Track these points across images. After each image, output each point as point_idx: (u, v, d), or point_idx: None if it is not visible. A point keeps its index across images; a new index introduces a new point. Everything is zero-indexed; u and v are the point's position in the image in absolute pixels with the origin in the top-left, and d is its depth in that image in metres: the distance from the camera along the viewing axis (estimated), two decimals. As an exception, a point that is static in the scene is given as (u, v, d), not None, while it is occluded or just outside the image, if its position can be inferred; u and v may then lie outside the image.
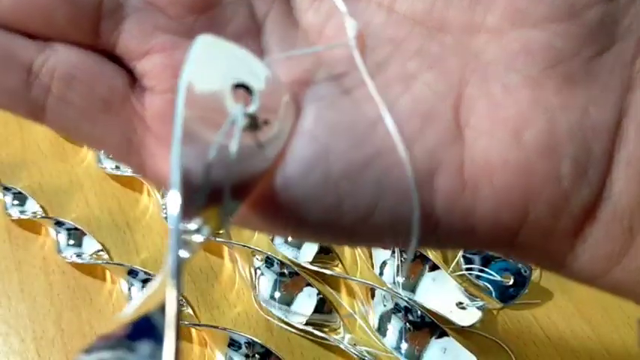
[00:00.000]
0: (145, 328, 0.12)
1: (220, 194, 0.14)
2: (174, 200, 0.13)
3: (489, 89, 0.16)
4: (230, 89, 0.15)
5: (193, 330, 0.37)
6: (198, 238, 0.14)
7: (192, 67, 0.14)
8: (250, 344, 0.35)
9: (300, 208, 0.16)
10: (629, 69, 0.16)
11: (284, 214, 0.17)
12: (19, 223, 0.42)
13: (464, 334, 0.37)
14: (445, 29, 0.17)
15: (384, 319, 0.37)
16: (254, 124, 0.15)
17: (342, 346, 0.35)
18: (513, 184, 0.16)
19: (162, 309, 0.12)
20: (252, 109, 0.15)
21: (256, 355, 0.35)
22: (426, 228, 0.16)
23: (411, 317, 0.36)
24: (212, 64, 0.15)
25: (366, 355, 0.35)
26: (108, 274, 0.40)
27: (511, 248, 0.17)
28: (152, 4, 0.17)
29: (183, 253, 0.13)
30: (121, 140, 0.17)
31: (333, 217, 0.16)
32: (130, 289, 0.39)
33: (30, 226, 0.42)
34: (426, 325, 0.36)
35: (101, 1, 0.16)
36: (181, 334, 0.36)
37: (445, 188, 0.16)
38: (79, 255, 0.40)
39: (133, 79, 0.17)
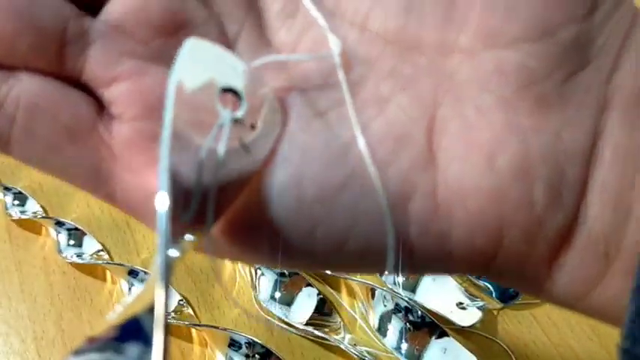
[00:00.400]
0: (134, 330, 0.12)
1: (206, 199, 0.14)
2: (162, 201, 0.12)
3: (463, 111, 0.16)
4: (218, 93, 0.15)
5: (194, 330, 0.37)
6: (188, 237, 0.14)
7: (180, 69, 0.14)
8: (250, 344, 0.35)
9: (273, 233, 0.16)
10: (604, 89, 0.16)
11: (258, 239, 0.16)
12: (20, 223, 0.42)
13: (464, 334, 0.37)
14: (418, 49, 0.16)
15: (384, 320, 0.37)
16: (241, 128, 0.15)
17: (342, 346, 0.35)
18: (487, 209, 0.16)
19: (151, 310, 0.11)
20: (239, 113, 0.15)
21: (256, 356, 0.35)
22: (401, 254, 0.16)
23: (411, 317, 0.36)
24: (200, 66, 0.15)
25: (367, 355, 0.35)
26: (108, 274, 0.40)
27: (488, 272, 0.17)
28: (119, 28, 0.16)
29: (173, 252, 0.13)
30: (89, 170, 0.16)
31: (306, 244, 0.16)
32: (130, 289, 0.39)
33: (30, 226, 0.42)
34: (426, 326, 0.36)
35: (65, 27, 0.16)
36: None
37: (419, 213, 0.16)
38: (79, 255, 0.40)
39: (100, 106, 0.17)
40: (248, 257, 0.17)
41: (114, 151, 0.16)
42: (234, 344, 0.35)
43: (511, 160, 0.15)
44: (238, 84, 0.15)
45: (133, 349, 0.12)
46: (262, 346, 0.35)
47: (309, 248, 0.16)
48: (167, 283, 0.12)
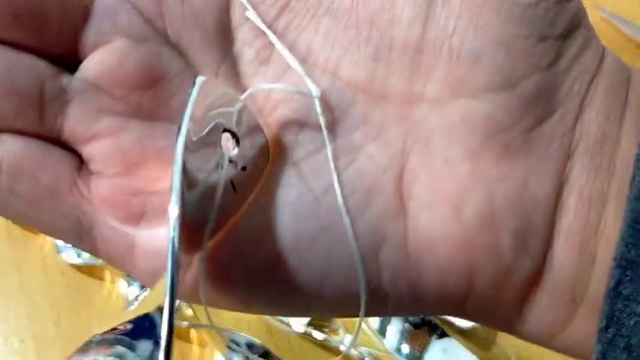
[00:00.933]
0: (146, 328, 0.12)
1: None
2: (172, 212, 0.13)
3: (430, 161, 0.16)
4: (219, 133, 0.15)
5: (193, 330, 0.37)
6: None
7: (192, 107, 0.15)
8: (250, 345, 0.35)
9: (250, 281, 0.16)
10: (569, 136, 0.16)
11: (236, 286, 0.17)
12: (19, 223, 0.42)
13: (464, 335, 0.37)
14: (387, 97, 0.17)
15: (384, 320, 0.37)
16: (233, 167, 0.16)
17: (342, 347, 0.35)
18: (455, 257, 0.16)
19: (162, 310, 0.12)
20: (233, 153, 0.16)
21: (256, 356, 0.35)
22: (375, 299, 0.16)
23: (411, 318, 0.36)
24: (207, 105, 0.15)
25: (367, 356, 0.35)
26: (107, 274, 0.40)
27: (461, 314, 0.17)
28: (96, 85, 0.16)
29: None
30: (70, 225, 0.17)
31: (282, 292, 0.17)
32: (129, 288, 0.39)
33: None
34: (426, 326, 0.36)
35: (43, 87, 0.16)
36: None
37: (391, 261, 0.16)
38: (78, 255, 0.40)
39: (81, 161, 0.17)
40: (225, 304, 0.17)
41: (93, 205, 0.17)
42: (233, 345, 0.35)
43: (477, 211, 0.16)
44: (238, 126, 0.16)
45: (144, 346, 0.12)
46: (262, 347, 0.35)
47: (284, 296, 0.17)
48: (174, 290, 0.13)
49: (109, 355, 0.13)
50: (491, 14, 0.16)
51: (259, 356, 0.35)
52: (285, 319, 0.37)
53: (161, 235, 0.16)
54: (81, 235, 0.17)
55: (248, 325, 0.38)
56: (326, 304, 0.17)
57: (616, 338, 0.15)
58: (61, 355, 0.37)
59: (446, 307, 0.17)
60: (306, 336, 0.36)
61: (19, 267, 0.40)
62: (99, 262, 0.39)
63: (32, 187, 0.16)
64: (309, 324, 0.36)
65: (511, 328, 0.18)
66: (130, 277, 0.39)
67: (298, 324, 0.36)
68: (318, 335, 0.36)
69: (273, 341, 0.36)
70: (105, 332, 0.13)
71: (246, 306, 0.17)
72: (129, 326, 0.13)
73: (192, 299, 0.17)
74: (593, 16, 0.43)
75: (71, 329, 0.38)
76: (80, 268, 0.40)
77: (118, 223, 0.17)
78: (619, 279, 0.15)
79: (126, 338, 0.13)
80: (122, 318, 0.13)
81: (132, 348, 0.12)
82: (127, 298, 0.38)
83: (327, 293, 0.17)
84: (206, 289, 0.17)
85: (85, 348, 0.13)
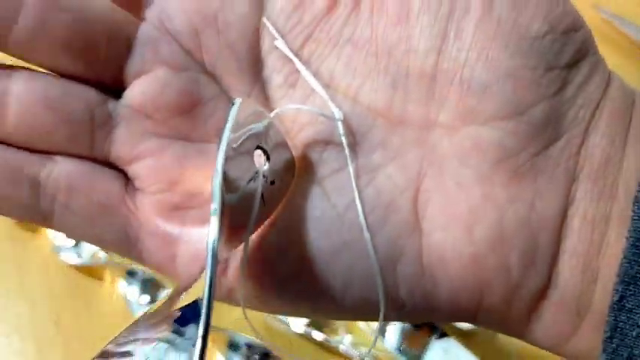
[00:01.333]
0: (193, 314, 0.14)
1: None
2: (213, 227, 0.14)
3: (444, 184, 0.17)
4: (253, 146, 0.17)
5: (193, 331, 0.37)
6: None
7: (230, 124, 0.16)
8: (250, 346, 0.35)
9: (278, 288, 0.18)
10: (574, 160, 0.17)
11: (264, 292, 0.18)
12: (19, 223, 0.42)
13: (465, 335, 0.37)
14: (405, 123, 0.18)
15: (384, 320, 0.37)
16: (265, 181, 0.17)
17: (342, 347, 0.35)
18: (467, 275, 0.17)
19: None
20: (264, 168, 0.17)
21: (256, 357, 0.35)
22: (392, 308, 0.18)
23: (411, 318, 0.36)
24: (243, 123, 0.16)
25: (367, 356, 0.35)
26: (107, 274, 0.40)
27: (474, 323, 0.19)
28: (139, 111, 0.17)
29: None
30: (119, 237, 0.18)
31: (308, 299, 0.18)
32: (128, 288, 0.39)
33: (29, 226, 0.42)
34: (426, 326, 0.36)
35: (93, 114, 0.17)
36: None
37: (407, 275, 0.17)
38: (78, 255, 0.40)
39: (127, 178, 0.18)
40: (255, 307, 0.19)
41: (139, 219, 0.18)
42: (234, 345, 0.35)
43: (488, 232, 0.17)
44: (265, 139, 0.17)
45: (192, 331, 0.13)
46: (262, 347, 0.35)
47: (309, 303, 0.18)
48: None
49: (160, 341, 0.14)
50: (500, 47, 0.16)
51: (259, 357, 0.35)
52: (284, 319, 0.37)
53: (199, 244, 0.17)
54: (128, 247, 0.18)
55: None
56: (348, 310, 0.18)
57: (620, 348, 0.16)
58: (62, 355, 0.37)
59: (459, 317, 0.18)
60: (306, 336, 0.36)
61: (19, 267, 0.40)
62: (99, 262, 0.40)
63: (85, 203, 0.18)
64: (309, 324, 0.36)
65: (521, 336, 0.19)
66: (129, 276, 0.39)
67: (298, 324, 0.36)
68: (317, 335, 0.36)
69: (273, 341, 0.36)
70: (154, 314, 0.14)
71: (275, 309, 0.19)
72: (177, 313, 0.14)
73: (229, 302, 0.19)
74: (593, 17, 0.43)
75: (71, 329, 0.38)
76: (80, 269, 0.40)
77: (161, 235, 0.18)
78: (622, 293, 0.16)
79: (175, 324, 0.14)
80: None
81: (180, 333, 0.13)
82: (126, 297, 0.39)
83: (349, 302, 0.18)
84: (244, 293, 0.18)
85: (132, 329, 0.14)
